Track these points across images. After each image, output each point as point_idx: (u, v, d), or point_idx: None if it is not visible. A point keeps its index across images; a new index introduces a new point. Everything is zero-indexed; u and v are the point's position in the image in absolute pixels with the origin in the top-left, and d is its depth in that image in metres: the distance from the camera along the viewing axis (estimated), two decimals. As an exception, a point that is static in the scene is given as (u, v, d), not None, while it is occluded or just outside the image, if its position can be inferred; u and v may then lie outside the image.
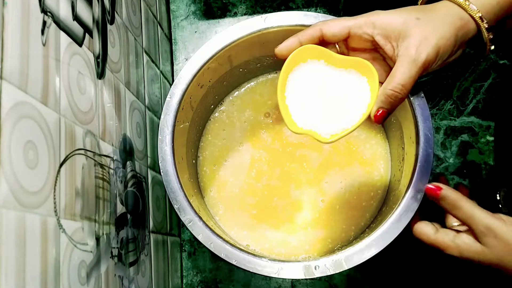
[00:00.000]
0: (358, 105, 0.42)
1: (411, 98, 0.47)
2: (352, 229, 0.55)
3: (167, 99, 0.50)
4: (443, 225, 0.46)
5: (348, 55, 0.44)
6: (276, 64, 0.58)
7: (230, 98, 0.60)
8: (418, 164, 0.46)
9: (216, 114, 0.59)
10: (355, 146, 0.57)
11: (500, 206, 0.55)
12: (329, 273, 0.44)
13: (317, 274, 0.44)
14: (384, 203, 0.55)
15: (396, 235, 0.44)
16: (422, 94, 0.47)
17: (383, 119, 0.41)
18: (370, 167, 0.56)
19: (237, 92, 0.60)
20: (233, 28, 0.51)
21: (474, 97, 0.61)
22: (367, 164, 0.57)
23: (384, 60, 0.44)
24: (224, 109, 0.59)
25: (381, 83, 0.41)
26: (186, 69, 0.51)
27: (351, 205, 0.55)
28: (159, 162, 0.48)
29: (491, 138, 0.60)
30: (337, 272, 0.44)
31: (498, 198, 0.57)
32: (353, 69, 0.42)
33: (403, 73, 0.39)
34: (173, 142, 0.49)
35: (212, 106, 0.59)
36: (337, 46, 0.44)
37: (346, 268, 0.44)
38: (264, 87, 0.60)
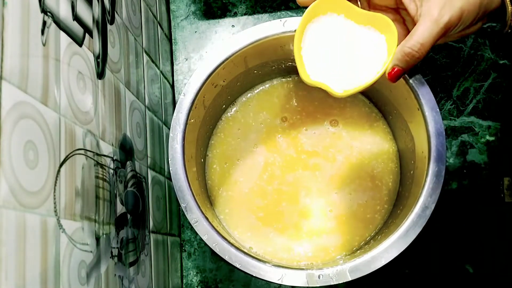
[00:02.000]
0: (374, 62, 0.42)
1: (426, 112, 0.47)
2: (356, 239, 0.55)
3: (180, 97, 0.50)
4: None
5: None
6: (292, 68, 0.58)
7: (243, 99, 0.60)
8: (428, 180, 0.46)
9: (229, 114, 0.59)
10: (367, 159, 0.57)
11: (503, 195, 0.55)
12: (332, 283, 0.44)
13: (320, 283, 0.44)
14: (391, 216, 0.54)
15: (402, 249, 0.44)
16: (437, 109, 0.47)
17: (397, 78, 0.41)
18: (379, 182, 0.56)
19: (250, 94, 0.60)
20: (250, 30, 0.50)
21: (474, 97, 0.61)
22: (377, 178, 0.56)
23: (404, 24, 0.44)
24: (238, 109, 0.59)
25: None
26: (201, 68, 0.50)
27: (357, 217, 0.55)
28: (169, 160, 0.48)
29: (491, 138, 0.60)
30: (340, 282, 0.44)
31: (501, 187, 0.57)
32: (372, 26, 0.42)
33: (423, 32, 0.39)
34: (184, 140, 0.49)
35: (224, 106, 0.59)
36: (359, 2, 0.44)
37: (350, 279, 0.44)
38: (281, 90, 0.60)
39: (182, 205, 0.47)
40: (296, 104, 0.59)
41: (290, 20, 0.50)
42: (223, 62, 0.50)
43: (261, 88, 0.60)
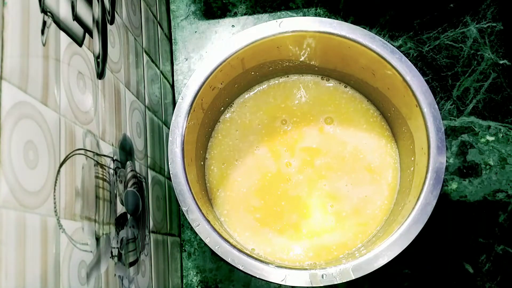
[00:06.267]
0: None
1: (424, 109, 0.47)
2: (359, 237, 0.55)
3: (179, 100, 0.50)
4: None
5: None
6: (289, 68, 0.58)
7: (241, 100, 0.60)
8: (429, 176, 0.46)
9: (227, 116, 0.59)
10: (363, 153, 0.57)
11: None
12: (336, 282, 0.44)
13: (324, 283, 0.44)
14: (392, 213, 0.54)
15: (405, 246, 0.44)
16: (436, 105, 0.47)
17: None
18: (379, 176, 0.56)
19: (247, 95, 0.60)
20: (247, 32, 0.50)
21: (474, 97, 0.61)
22: (375, 172, 0.56)
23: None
24: (235, 110, 0.59)
25: None
26: (199, 71, 0.50)
27: (358, 213, 0.55)
28: (169, 163, 0.48)
29: (491, 138, 0.60)
30: (344, 281, 0.44)
31: None
32: None
33: None
34: (183, 144, 0.49)
35: (222, 108, 0.59)
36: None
37: (354, 278, 0.44)
38: (277, 90, 0.60)
39: (184, 209, 0.47)
40: (291, 103, 0.59)
41: (286, 20, 0.50)
42: (220, 64, 0.50)
43: (258, 88, 0.60)
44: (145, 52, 0.54)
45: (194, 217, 0.47)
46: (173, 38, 0.65)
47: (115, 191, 0.40)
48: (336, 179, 0.57)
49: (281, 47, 0.53)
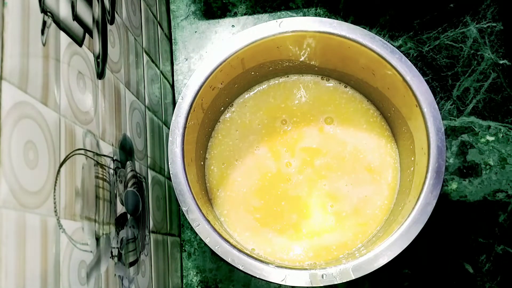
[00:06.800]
0: None
1: (424, 109, 0.47)
2: (359, 237, 0.55)
3: (179, 100, 0.50)
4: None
5: None
6: (289, 68, 0.58)
7: (241, 100, 0.60)
8: (429, 176, 0.46)
9: (227, 116, 0.59)
10: (363, 153, 0.57)
11: None
12: (336, 282, 0.44)
13: (324, 283, 0.44)
14: (392, 213, 0.54)
15: (405, 246, 0.44)
16: (436, 105, 0.47)
17: None
18: (379, 176, 0.56)
19: (248, 95, 0.60)
20: (247, 32, 0.50)
21: (474, 97, 0.61)
22: (375, 172, 0.56)
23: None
24: (235, 110, 0.59)
25: None
26: (199, 71, 0.50)
27: (358, 213, 0.55)
28: (169, 164, 0.48)
29: (491, 138, 0.60)
30: (344, 281, 0.44)
31: None
32: None
33: None
34: (183, 144, 0.49)
35: (222, 108, 0.59)
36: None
37: (353, 278, 0.44)
38: (277, 90, 0.60)
39: (184, 209, 0.47)
40: (291, 103, 0.59)
41: (286, 20, 0.50)
42: (220, 64, 0.50)
43: (258, 89, 0.60)
44: (145, 52, 0.54)
45: (194, 217, 0.47)
46: (173, 38, 0.65)
47: (115, 191, 0.40)
48: (336, 179, 0.57)
49: (281, 47, 0.53)
